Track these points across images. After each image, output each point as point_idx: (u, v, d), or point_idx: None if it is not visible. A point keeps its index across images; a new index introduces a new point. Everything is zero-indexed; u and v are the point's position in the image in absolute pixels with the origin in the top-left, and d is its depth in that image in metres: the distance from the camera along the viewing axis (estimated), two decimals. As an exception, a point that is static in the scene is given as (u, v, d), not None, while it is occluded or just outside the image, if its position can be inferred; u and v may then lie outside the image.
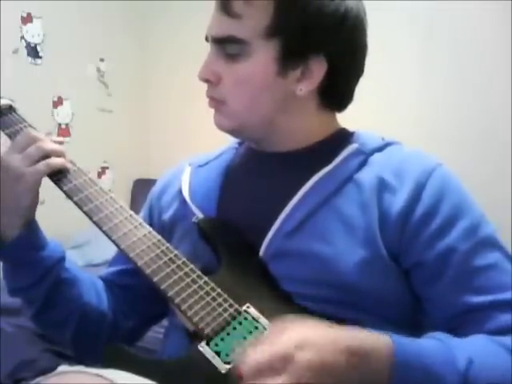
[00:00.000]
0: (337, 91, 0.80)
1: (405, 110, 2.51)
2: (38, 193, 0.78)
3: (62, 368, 0.58)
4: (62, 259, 0.82)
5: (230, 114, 0.78)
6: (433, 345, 0.64)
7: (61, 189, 0.78)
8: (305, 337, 0.57)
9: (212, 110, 0.81)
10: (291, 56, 0.75)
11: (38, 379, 0.56)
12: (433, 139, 2.28)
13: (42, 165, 0.76)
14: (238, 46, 0.74)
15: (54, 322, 0.84)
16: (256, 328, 0.66)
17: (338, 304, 0.69)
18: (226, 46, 0.75)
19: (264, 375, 0.55)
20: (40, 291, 0.80)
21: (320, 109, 0.81)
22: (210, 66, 0.78)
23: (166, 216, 0.87)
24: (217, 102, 0.79)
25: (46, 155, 0.77)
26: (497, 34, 2.33)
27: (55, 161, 0.77)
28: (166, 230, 0.85)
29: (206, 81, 0.78)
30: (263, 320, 0.67)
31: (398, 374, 0.59)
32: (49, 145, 0.78)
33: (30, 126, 0.85)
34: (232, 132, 0.82)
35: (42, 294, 0.80)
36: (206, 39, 0.79)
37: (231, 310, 0.67)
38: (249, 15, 0.73)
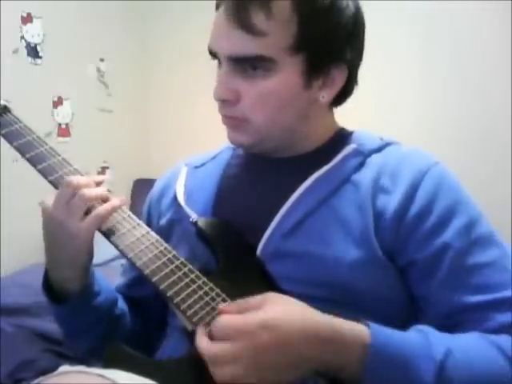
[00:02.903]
0: (347, 91, 0.81)
1: (405, 110, 2.52)
2: (92, 245, 0.75)
3: (63, 368, 0.58)
4: (116, 299, 0.85)
5: (253, 130, 0.76)
6: (412, 335, 0.64)
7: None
8: (274, 318, 0.59)
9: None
10: (316, 68, 0.74)
11: (38, 379, 0.56)
12: (432, 139, 2.28)
13: (91, 219, 0.72)
14: (263, 65, 0.72)
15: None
16: None
17: (334, 303, 0.69)
18: (248, 64, 0.72)
19: (226, 338, 0.58)
20: (95, 333, 0.83)
21: (329, 109, 0.82)
22: (227, 85, 0.74)
23: (164, 220, 0.88)
24: (237, 121, 0.77)
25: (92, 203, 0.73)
26: (497, 33, 2.33)
27: (103, 210, 0.73)
28: (163, 234, 0.85)
29: (223, 101, 0.76)
30: None
31: (371, 360, 0.60)
32: (91, 192, 0.74)
33: (26, 126, 0.84)
34: (249, 147, 0.80)
35: (96, 336, 0.83)
36: (213, 55, 0.77)
37: None
38: (273, 32, 0.71)
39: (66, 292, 0.79)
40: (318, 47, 0.73)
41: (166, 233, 0.85)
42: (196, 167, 0.91)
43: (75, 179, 0.74)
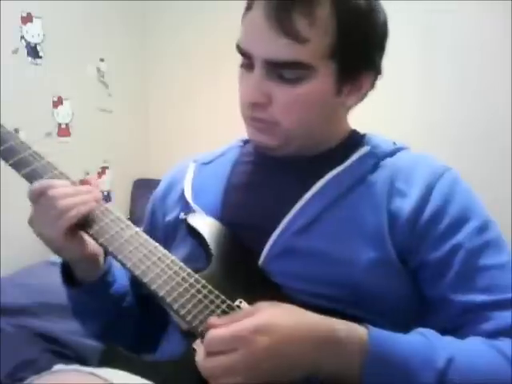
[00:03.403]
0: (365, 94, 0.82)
1: (405, 110, 2.51)
2: (74, 242, 0.75)
3: (57, 367, 0.58)
4: (126, 292, 0.87)
5: (280, 133, 0.76)
6: (414, 340, 0.64)
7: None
8: (269, 322, 0.58)
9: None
10: (348, 74, 0.75)
11: (30, 378, 0.56)
12: (432, 139, 2.28)
13: (62, 222, 0.72)
14: (300, 71, 0.72)
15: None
16: None
17: (344, 303, 0.69)
18: (285, 69, 0.72)
19: (220, 351, 0.57)
20: (102, 320, 0.85)
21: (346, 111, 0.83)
22: (260, 88, 0.73)
23: (171, 217, 0.87)
24: (266, 123, 0.76)
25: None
26: (497, 34, 2.33)
27: (69, 215, 0.72)
28: (169, 231, 0.85)
29: (254, 103, 0.75)
30: None
31: (371, 363, 0.60)
32: (64, 202, 0.72)
33: (8, 131, 0.82)
34: (273, 149, 0.79)
35: (103, 322, 0.86)
36: (244, 55, 0.75)
37: (223, 307, 0.67)
38: (314, 39, 0.70)
39: (81, 278, 0.81)
40: (354, 54, 0.73)
41: (172, 230, 0.85)
42: (204, 164, 0.90)
43: (50, 190, 0.73)
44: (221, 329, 0.59)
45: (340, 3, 0.71)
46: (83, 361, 1.59)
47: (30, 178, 0.77)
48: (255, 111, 0.75)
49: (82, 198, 0.74)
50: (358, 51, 0.74)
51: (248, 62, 0.75)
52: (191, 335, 0.65)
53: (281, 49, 0.71)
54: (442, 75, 2.46)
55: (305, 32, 0.70)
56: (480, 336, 0.67)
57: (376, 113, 2.44)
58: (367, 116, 2.04)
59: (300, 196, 0.76)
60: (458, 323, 0.70)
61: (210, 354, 0.58)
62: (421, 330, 0.66)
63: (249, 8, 0.75)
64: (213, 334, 0.58)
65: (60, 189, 0.73)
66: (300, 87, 0.72)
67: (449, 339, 0.66)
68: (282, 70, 0.72)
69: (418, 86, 2.50)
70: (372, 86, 0.79)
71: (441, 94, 2.47)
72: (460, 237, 0.72)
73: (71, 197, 0.73)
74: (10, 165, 0.78)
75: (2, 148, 0.79)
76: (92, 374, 0.55)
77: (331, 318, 0.62)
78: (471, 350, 0.65)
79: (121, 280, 0.86)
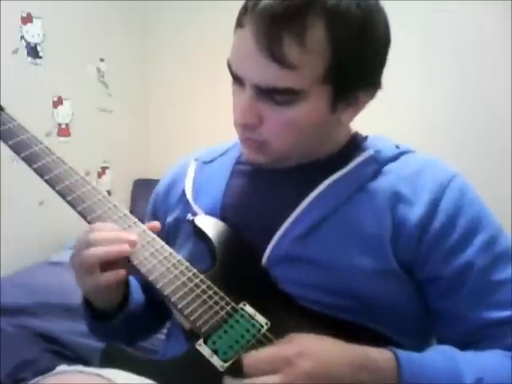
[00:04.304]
0: None
1: (405, 110, 2.51)
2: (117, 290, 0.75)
3: (61, 368, 0.58)
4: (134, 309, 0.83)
5: (273, 152, 0.75)
6: (439, 360, 0.63)
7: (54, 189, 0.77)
8: (309, 347, 0.59)
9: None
10: (344, 95, 0.72)
11: (36, 379, 0.56)
12: (433, 139, 2.28)
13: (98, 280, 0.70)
14: (292, 96, 0.69)
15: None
16: (253, 326, 0.66)
17: (345, 311, 0.69)
18: (275, 94, 0.69)
19: (263, 372, 0.57)
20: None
21: None
22: (249, 109, 0.71)
23: (172, 218, 0.87)
24: (256, 143, 0.75)
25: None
26: (497, 34, 2.33)
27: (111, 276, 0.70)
28: (171, 231, 0.85)
29: (244, 124, 0.73)
30: (260, 317, 0.67)
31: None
32: (99, 251, 0.69)
33: (20, 125, 0.84)
34: (267, 164, 0.79)
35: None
36: (235, 77, 0.73)
37: (228, 308, 0.67)
38: (305, 65, 0.66)
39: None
40: (350, 75, 0.70)
41: (173, 230, 0.85)
42: (205, 163, 0.89)
43: (96, 232, 0.70)
44: (263, 350, 0.60)
45: (335, 23, 0.66)
46: (83, 361, 1.59)
47: (41, 172, 0.78)
48: (245, 131, 0.74)
49: (120, 247, 0.70)
50: (356, 71, 0.70)
51: (238, 82, 0.73)
52: (194, 335, 0.65)
53: (271, 75, 0.67)
54: (442, 75, 2.46)
55: (296, 59, 0.66)
56: (503, 349, 0.67)
57: (376, 113, 2.44)
58: (367, 116, 2.05)
59: (299, 202, 0.75)
60: (475, 338, 0.69)
61: (255, 373, 0.58)
62: (440, 347, 0.66)
63: (239, 25, 0.71)
64: (254, 355, 0.59)
65: (104, 248, 0.69)
66: (291, 110, 0.70)
67: (470, 356, 0.65)
68: (272, 94, 0.69)
69: (418, 86, 2.50)
70: (371, 98, 0.76)
71: (441, 94, 2.47)
72: (471, 252, 0.70)
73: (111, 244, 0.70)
74: (22, 158, 0.79)
75: (14, 141, 0.80)
76: (98, 375, 0.55)
77: (358, 345, 0.62)
78: (496, 366, 0.65)
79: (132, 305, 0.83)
